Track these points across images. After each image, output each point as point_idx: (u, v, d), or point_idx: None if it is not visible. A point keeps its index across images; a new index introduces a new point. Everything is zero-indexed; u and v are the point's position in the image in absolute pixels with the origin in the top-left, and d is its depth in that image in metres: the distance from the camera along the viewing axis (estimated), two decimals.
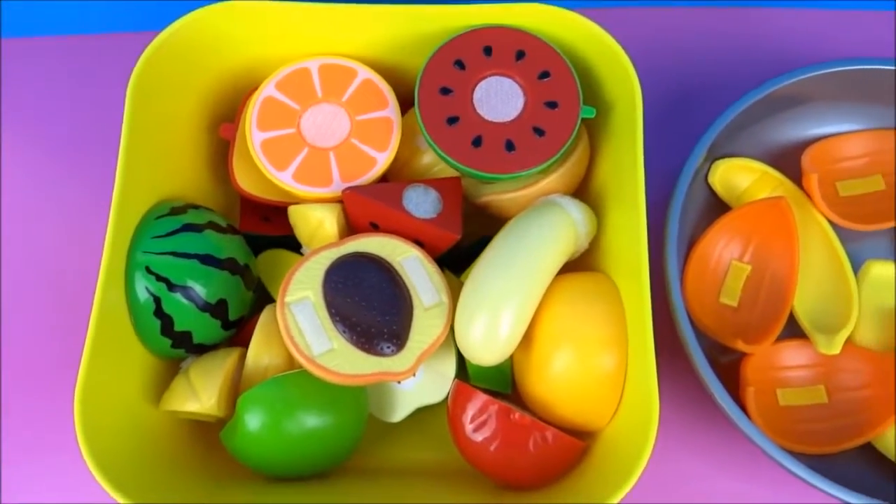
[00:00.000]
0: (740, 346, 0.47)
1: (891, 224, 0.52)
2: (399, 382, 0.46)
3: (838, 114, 0.54)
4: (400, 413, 0.47)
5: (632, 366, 0.41)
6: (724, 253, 0.52)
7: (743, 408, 0.48)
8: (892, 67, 0.50)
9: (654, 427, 0.37)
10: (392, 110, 0.47)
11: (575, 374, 0.42)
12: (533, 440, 0.42)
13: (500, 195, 0.47)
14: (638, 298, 0.40)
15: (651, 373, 0.38)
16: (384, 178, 0.51)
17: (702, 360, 0.44)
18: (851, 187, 0.54)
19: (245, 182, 0.49)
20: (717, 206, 0.54)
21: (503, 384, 0.47)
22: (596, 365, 0.42)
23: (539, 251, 0.43)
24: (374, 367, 0.41)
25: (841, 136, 0.54)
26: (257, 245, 0.50)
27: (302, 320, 0.41)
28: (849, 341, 0.50)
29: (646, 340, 0.39)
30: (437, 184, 0.46)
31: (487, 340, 0.41)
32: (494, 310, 0.41)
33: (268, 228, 0.50)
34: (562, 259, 0.44)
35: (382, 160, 0.47)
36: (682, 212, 0.53)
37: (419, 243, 0.46)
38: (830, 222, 0.53)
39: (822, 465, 0.49)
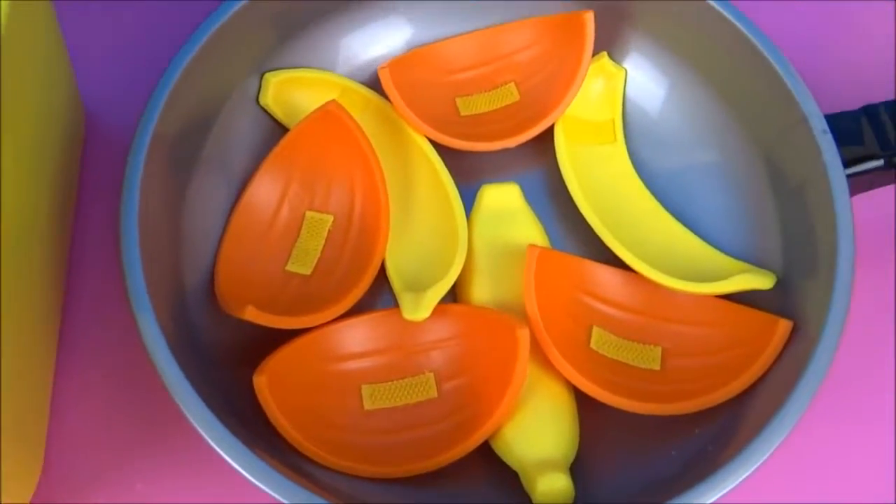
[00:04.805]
0: (250, 315, 0.31)
1: (520, 139, 0.38)
2: None
3: (444, 11, 0.40)
4: None
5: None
6: (292, 200, 0.36)
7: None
8: None
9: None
10: None
11: None
12: None
13: None
14: None
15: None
16: None
17: (159, 343, 0.28)
18: (475, 104, 0.40)
19: None
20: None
21: None
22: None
23: None
24: None
25: (447, 40, 0.40)
26: None
27: None
28: (459, 303, 0.35)
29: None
30: None
31: None
32: None
33: None
34: None
35: None
36: (225, 151, 0.37)
37: None
38: (442, 145, 0.38)
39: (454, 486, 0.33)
